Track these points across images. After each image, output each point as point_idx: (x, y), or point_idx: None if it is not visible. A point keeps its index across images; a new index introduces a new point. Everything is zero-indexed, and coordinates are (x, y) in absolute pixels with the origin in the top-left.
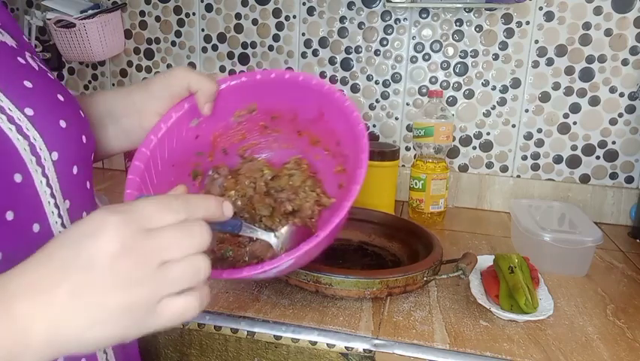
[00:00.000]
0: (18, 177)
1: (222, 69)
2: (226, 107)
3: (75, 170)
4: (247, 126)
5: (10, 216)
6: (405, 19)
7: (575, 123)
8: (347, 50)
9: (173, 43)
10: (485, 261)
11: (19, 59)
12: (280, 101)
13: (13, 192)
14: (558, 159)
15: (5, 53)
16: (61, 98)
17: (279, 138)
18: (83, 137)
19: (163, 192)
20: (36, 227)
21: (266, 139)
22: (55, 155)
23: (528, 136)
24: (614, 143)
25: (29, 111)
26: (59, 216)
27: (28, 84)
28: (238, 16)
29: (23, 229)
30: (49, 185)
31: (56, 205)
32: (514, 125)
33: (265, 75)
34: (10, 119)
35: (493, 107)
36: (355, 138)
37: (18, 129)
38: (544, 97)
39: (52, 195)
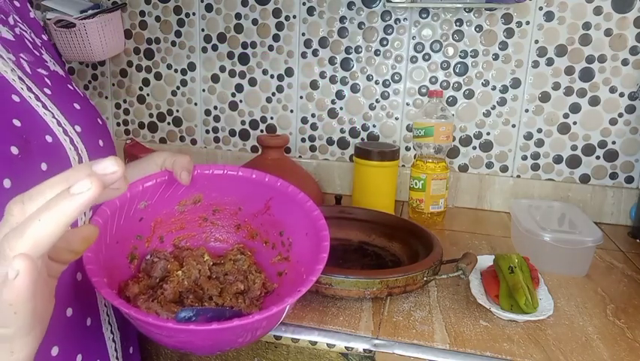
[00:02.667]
0: None
1: (222, 69)
2: (174, 195)
3: None
4: (188, 217)
5: None
6: (405, 19)
7: (575, 123)
8: (347, 50)
9: (173, 43)
10: (485, 261)
11: (68, 85)
12: (228, 194)
13: None
14: (558, 159)
15: (59, 79)
16: (99, 121)
17: (216, 231)
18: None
19: (112, 265)
20: None
21: (203, 231)
22: None
23: (528, 136)
24: (614, 143)
25: (78, 128)
26: (84, 223)
27: (77, 106)
28: (238, 16)
29: None
30: None
31: (85, 214)
32: (514, 125)
33: (218, 170)
34: (65, 132)
35: (493, 107)
36: (313, 223)
37: (70, 141)
38: (544, 97)
39: None
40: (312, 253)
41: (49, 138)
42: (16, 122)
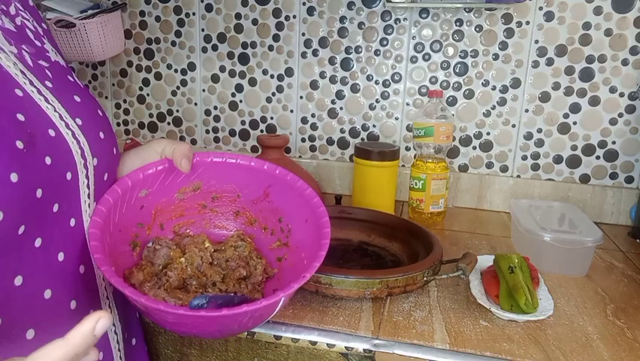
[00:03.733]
0: (69, 175)
1: (222, 69)
2: (173, 183)
3: (106, 176)
4: (187, 204)
5: (55, 208)
6: (405, 19)
7: (575, 123)
8: (347, 50)
9: (173, 43)
10: (485, 261)
11: (68, 77)
12: (227, 182)
13: (63, 188)
14: (558, 159)
15: (60, 71)
16: (100, 113)
17: (215, 218)
18: (114, 149)
19: (116, 253)
20: (72, 221)
21: (202, 218)
22: (95, 160)
23: (528, 136)
24: (614, 143)
25: (79, 121)
26: (88, 215)
27: (77, 98)
28: (238, 16)
29: (63, 222)
30: (88, 186)
31: (89, 205)
32: (514, 125)
33: (218, 158)
34: (67, 126)
35: (493, 107)
36: (313, 210)
37: (72, 134)
38: (544, 97)
39: (88, 196)
40: (313, 239)
41: (51, 132)
42: (20, 117)
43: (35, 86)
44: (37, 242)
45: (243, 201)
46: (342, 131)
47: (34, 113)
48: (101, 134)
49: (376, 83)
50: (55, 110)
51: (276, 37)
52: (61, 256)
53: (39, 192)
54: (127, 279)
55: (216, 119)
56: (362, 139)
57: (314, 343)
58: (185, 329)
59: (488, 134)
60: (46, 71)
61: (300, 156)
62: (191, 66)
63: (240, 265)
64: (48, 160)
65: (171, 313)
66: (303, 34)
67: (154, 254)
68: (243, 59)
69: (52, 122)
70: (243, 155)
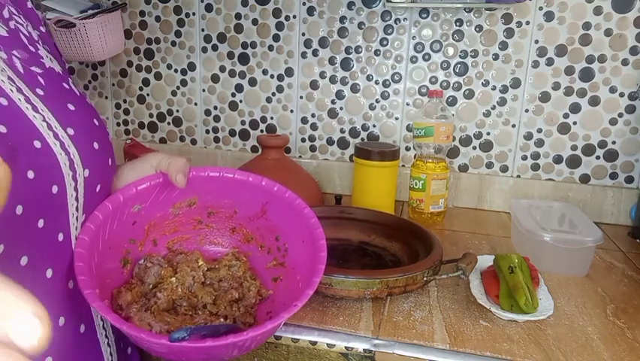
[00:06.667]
0: (55, 189)
1: (222, 69)
2: (168, 198)
3: (98, 188)
4: (182, 219)
5: (41, 223)
6: (405, 19)
7: (575, 123)
8: (347, 50)
9: (173, 43)
10: (485, 261)
11: (64, 84)
12: (223, 197)
13: (49, 202)
14: (558, 159)
15: (54, 78)
16: (96, 122)
17: (210, 234)
18: (109, 159)
19: (104, 271)
20: (60, 236)
21: (197, 234)
22: (86, 172)
23: (528, 136)
24: (614, 143)
25: (70, 131)
26: (77, 228)
27: (71, 107)
28: (238, 16)
29: (50, 237)
30: (76, 199)
31: (77, 218)
32: (514, 125)
33: (214, 173)
34: (56, 136)
35: (493, 107)
36: (310, 231)
37: (61, 145)
38: (544, 97)
39: (77, 209)
40: (309, 262)
41: (37, 144)
42: (2, 129)
43: (23, 94)
44: (23, 260)
45: (239, 218)
46: (342, 131)
47: (18, 123)
48: (95, 145)
49: (376, 83)
50: (43, 120)
51: (276, 37)
52: (49, 273)
53: (19, 209)
54: (115, 299)
55: (216, 119)
56: (362, 139)
57: (314, 343)
58: (172, 356)
59: (488, 134)
60: (39, 78)
61: (300, 156)
62: (191, 66)
63: (233, 286)
64: (30, 174)
65: (153, 342)
66: (303, 34)
67: (145, 272)
68: (243, 59)
69: (39, 132)
70: (240, 170)
